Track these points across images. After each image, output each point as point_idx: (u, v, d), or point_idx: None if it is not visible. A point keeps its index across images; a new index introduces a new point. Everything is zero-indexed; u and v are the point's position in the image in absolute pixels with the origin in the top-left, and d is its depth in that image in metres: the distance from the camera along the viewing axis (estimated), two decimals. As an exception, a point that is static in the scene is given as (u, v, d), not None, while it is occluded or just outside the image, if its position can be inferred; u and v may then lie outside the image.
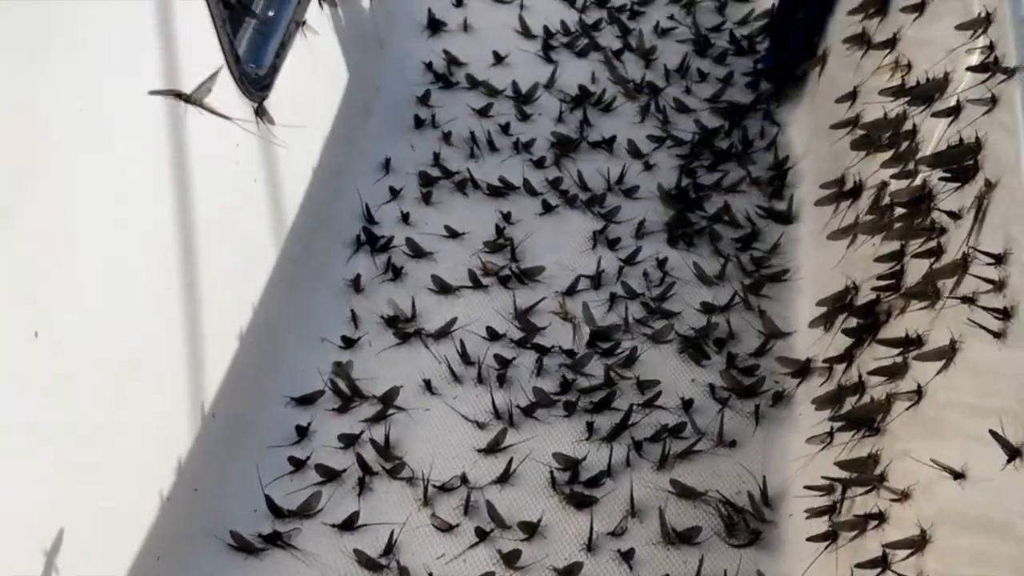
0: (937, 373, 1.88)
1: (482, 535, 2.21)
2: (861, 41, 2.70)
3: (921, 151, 2.24)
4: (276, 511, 2.23)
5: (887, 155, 2.34)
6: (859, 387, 2.15)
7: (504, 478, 2.32)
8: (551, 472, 2.33)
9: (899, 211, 2.20)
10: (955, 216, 1.98)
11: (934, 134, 2.20)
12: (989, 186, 1.88)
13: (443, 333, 2.57)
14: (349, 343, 2.54)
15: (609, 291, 2.68)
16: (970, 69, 2.07)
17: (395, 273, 2.69)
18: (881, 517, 1.93)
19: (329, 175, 2.74)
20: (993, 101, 1.97)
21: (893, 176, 2.29)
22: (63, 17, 1.73)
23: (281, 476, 2.29)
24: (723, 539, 2.24)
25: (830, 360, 2.33)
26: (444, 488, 2.30)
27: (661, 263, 2.75)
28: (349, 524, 2.22)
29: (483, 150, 3.01)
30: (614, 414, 2.42)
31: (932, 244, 2.03)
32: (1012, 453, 1.58)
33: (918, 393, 1.93)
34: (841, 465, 2.08)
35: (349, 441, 2.36)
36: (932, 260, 2.01)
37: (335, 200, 2.78)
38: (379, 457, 2.34)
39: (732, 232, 2.84)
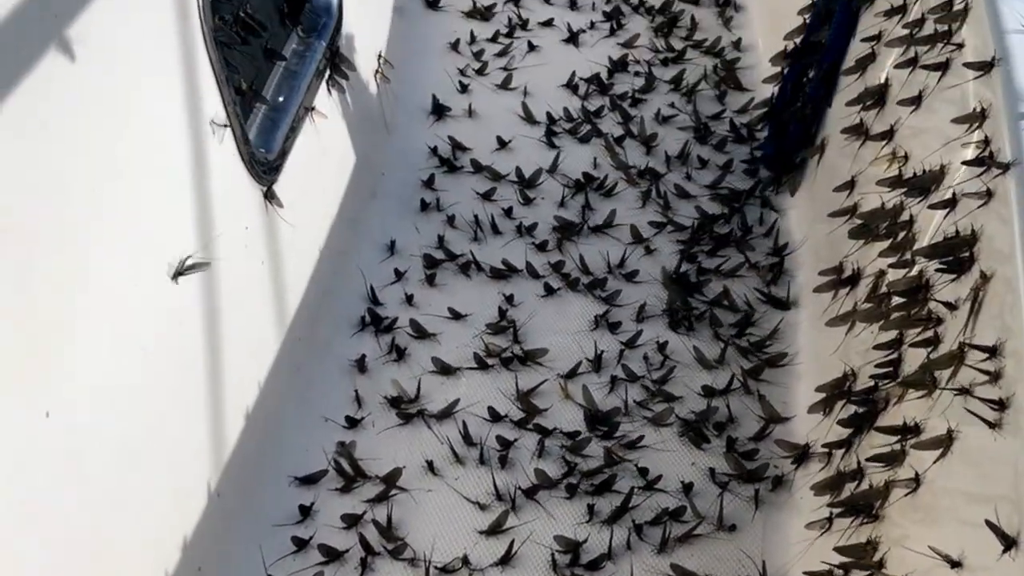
0: (935, 461, 1.91)
1: (483, 617, 2.23)
2: (859, 132, 2.75)
3: (918, 241, 2.28)
4: (279, 591, 2.25)
5: (885, 244, 2.39)
6: (858, 473, 2.17)
7: (505, 560, 2.33)
8: (552, 554, 2.34)
9: (897, 300, 2.24)
10: (951, 307, 2.02)
11: (931, 225, 2.24)
12: (985, 278, 1.92)
13: (446, 414, 2.60)
14: (353, 423, 2.57)
15: (610, 374, 2.71)
16: (966, 163, 2.11)
17: (399, 354, 2.72)
18: (880, 604, 1.95)
19: (335, 256, 2.78)
20: (989, 194, 2.01)
21: (891, 265, 2.33)
22: (78, 99, 1.78)
23: (284, 556, 2.31)
24: (723, 623, 2.26)
25: (829, 445, 2.35)
26: (446, 570, 2.31)
27: (661, 347, 2.79)
28: (351, 604, 2.24)
29: (486, 233, 3.05)
30: (615, 496, 2.45)
31: (929, 334, 2.07)
32: (1008, 543, 1.61)
33: (916, 480, 1.96)
34: (840, 551, 2.10)
35: (352, 521, 2.37)
36: (929, 350, 2.05)
37: (341, 281, 2.82)
38: (381, 538, 2.36)
39: (732, 317, 2.88)
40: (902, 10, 2.69)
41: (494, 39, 3.65)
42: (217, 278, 2.19)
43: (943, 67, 2.40)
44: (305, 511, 2.38)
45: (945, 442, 1.89)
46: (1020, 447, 1.71)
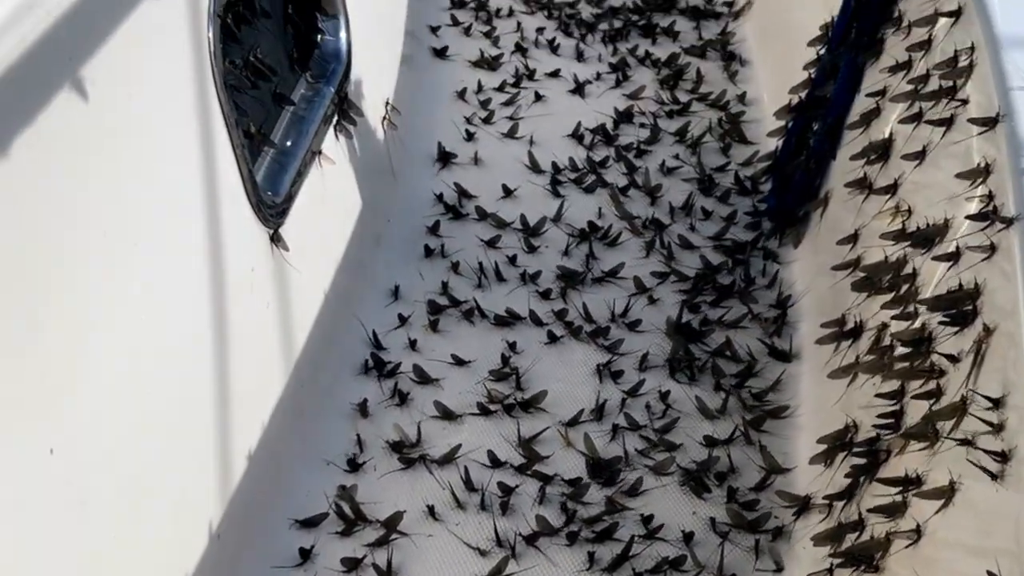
0: (936, 512, 1.92)
1: (482, 663, 2.22)
2: (862, 185, 2.77)
3: (921, 294, 2.29)
4: (278, 634, 2.24)
5: (887, 297, 2.40)
6: (859, 524, 2.17)
7: (505, 606, 2.33)
8: (552, 601, 2.34)
9: (899, 352, 2.25)
10: (954, 360, 2.03)
11: (934, 278, 2.26)
12: (988, 331, 1.93)
13: (447, 459, 2.60)
14: (354, 467, 2.56)
15: (612, 422, 2.71)
16: (970, 217, 2.13)
17: (401, 399, 2.73)
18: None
19: (339, 300, 2.79)
20: (992, 248, 2.03)
21: (894, 317, 2.34)
22: (89, 140, 1.79)
23: (283, 598, 2.31)
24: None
25: (830, 497, 2.35)
26: (445, 615, 2.31)
27: (663, 396, 2.79)
28: (350, 649, 2.23)
29: (490, 280, 3.06)
30: (616, 544, 2.44)
31: (932, 386, 2.08)
32: (1010, 595, 1.61)
33: (917, 532, 1.96)
34: (840, 602, 2.10)
35: (351, 565, 2.37)
36: (932, 401, 2.05)
37: (344, 325, 2.83)
38: (381, 582, 2.36)
39: (734, 367, 2.88)
40: (907, 66, 2.71)
41: (501, 88, 3.68)
42: (222, 320, 2.20)
43: (947, 122, 2.43)
44: (305, 554, 2.37)
45: (947, 493, 1.89)
46: (1023, 500, 1.72)
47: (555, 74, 3.77)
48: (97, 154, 1.82)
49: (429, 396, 2.75)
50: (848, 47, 3.02)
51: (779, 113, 3.32)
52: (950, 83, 2.45)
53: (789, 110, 3.27)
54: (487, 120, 3.56)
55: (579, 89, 3.72)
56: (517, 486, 2.55)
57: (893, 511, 2.07)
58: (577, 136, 3.54)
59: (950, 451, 1.92)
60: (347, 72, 2.86)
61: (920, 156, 2.51)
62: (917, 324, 2.23)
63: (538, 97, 3.67)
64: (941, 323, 2.10)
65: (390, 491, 2.53)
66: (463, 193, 3.30)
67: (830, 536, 2.27)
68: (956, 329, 2.06)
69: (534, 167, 3.42)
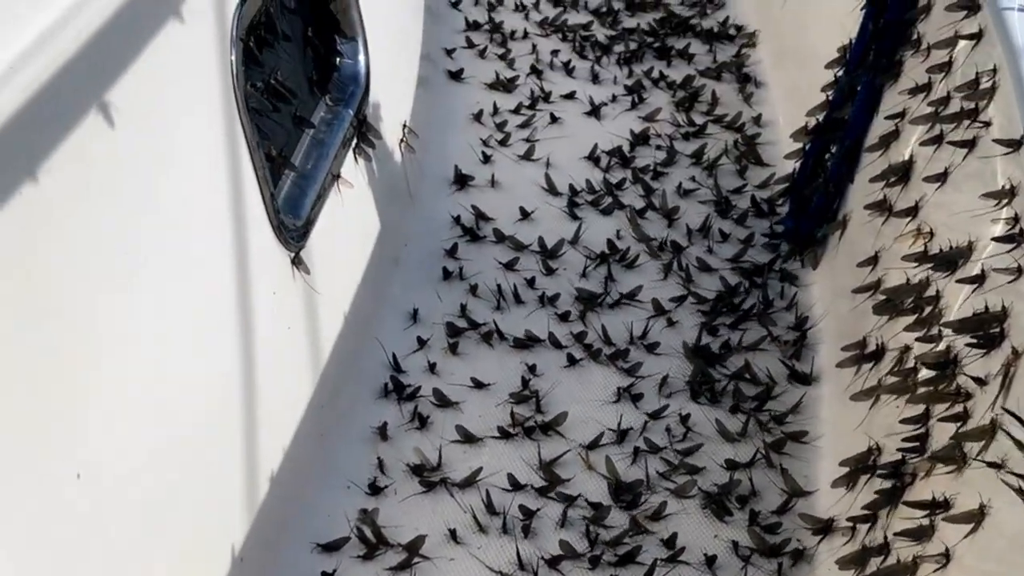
0: (965, 536, 1.90)
1: None
2: (882, 207, 2.76)
3: (945, 316, 2.28)
4: (300, 658, 2.23)
5: (910, 319, 2.39)
6: (884, 548, 2.16)
7: (528, 631, 2.32)
8: (575, 626, 2.33)
9: (923, 375, 2.24)
10: (981, 382, 2.02)
11: (957, 300, 2.25)
12: (1016, 354, 1.92)
13: (468, 483, 2.59)
14: (375, 490, 2.56)
15: (633, 445, 2.71)
16: (996, 240, 2.12)
17: (421, 422, 2.72)
18: None
19: (359, 323, 2.79)
20: (1019, 271, 2.02)
21: (917, 339, 2.33)
22: (113, 164, 1.80)
23: (306, 622, 2.30)
24: None
25: (854, 520, 2.34)
26: (468, 639, 2.30)
27: (684, 419, 2.78)
28: (373, 673, 2.22)
29: (509, 303, 3.06)
30: (638, 568, 2.43)
31: (959, 408, 2.06)
32: (1044, 619, 1.60)
33: (946, 556, 1.95)
34: (867, 626, 2.09)
35: (374, 589, 2.37)
36: (959, 424, 2.04)
37: (364, 348, 2.82)
38: (403, 606, 2.35)
39: (753, 390, 2.88)
40: (927, 88, 2.71)
41: (517, 111, 3.69)
42: (244, 342, 2.20)
43: (970, 144, 2.42)
44: (327, 578, 2.37)
45: (977, 517, 1.88)
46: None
47: (571, 96, 3.77)
48: (122, 178, 1.83)
49: (449, 419, 2.74)
50: (866, 69, 3.02)
51: (796, 135, 3.32)
52: (972, 105, 2.44)
53: (806, 132, 3.27)
54: (503, 142, 3.56)
55: (595, 111, 3.72)
56: (538, 509, 2.54)
57: (920, 535, 2.05)
58: (593, 158, 3.54)
59: (979, 474, 1.91)
60: (366, 95, 2.87)
61: (942, 178, 2.50)
62: (941, 346, 2.22)
63: (554, 119, 3.67)
64: (967, 345, 2.08)
65: (411, 515, 2.52)
66: (480, 215, 3.30)
67: (854, 560, 2.25)
68: (983, 351, 2.05)
69: (551, 189, 3.42)
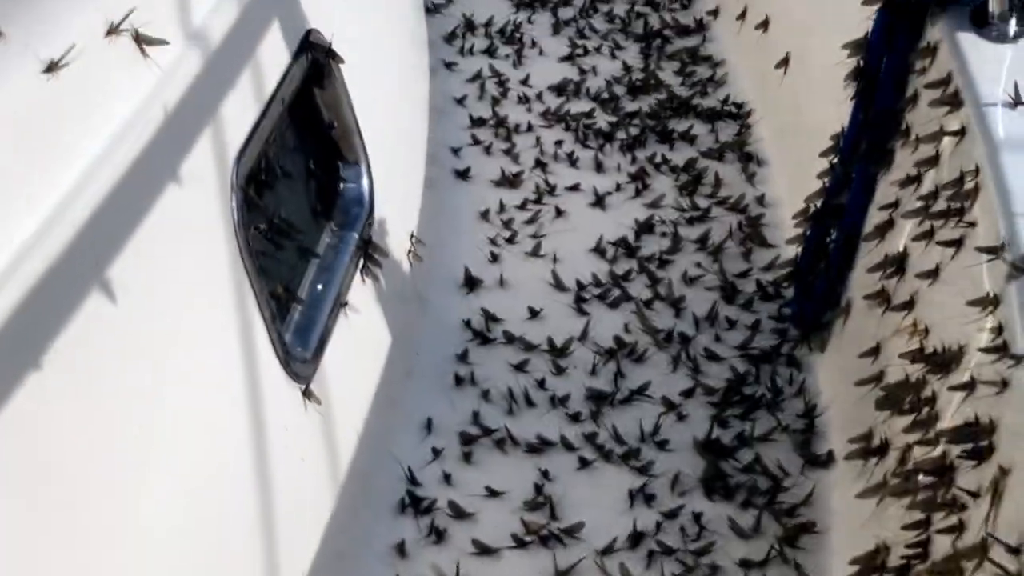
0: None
1: None
2: (881, 298, 2.81)
3: (941, 419, 2.33)
4: None
5: (909, 419, 2.43)
6: (893, 654, 2.21)
7: None
8: None
9: (923, 479, 2.28)
10: (974, 495, 2.06)
11: (952, 404, 2.29)
12: (1003, 472, 1.96)
13: (486, 598, 2.65)
14: (395, 610, 2.62)
15: (647, 548, 2.75)
16: (981, 350, 2.17)
17: (438, 536, 2.78)
18: None
19: (373, 439, 2.85)
20: (1004, 384, 2.06)
21: (916, 443, 2.37)
22: (120, 341, 1.87)
23: None
24: None
25: (864, 622, 2.38)
26: None
27: (697, 517, 2.83)
28: None
29: (520, 406, 3.12)
30: None
31: (954, 520, 2.11)
32: None
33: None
34: None
35: None
36: (955, 537, 2.08)
37: (380, 464, 2.88)
38: None
39: (765, 483, 2.92)
40: (917, 180, 2.75)
41: (523, 206, 3.75)
42: (258, 482, 2.27)
43: (957, 244, 2.46)
44: None
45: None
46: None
47: (575, 188, 3.83)
48: (129, 347, 1.90)
49: (465, 531, 2.80)
50: (860, 158, 3.07)
51: (797, 218, 3.37)
52: (958, 204, 2.49)
53: (806, 218, 3.32)
54: (510, 240, 3.62)
55: (599, 201, 3.78)
56: (557, 622, 2.60)
57: (925, 643, 2.10)
58: (599, 250, 3.60)
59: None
60: (370, 215, 2.94)
61: (934, 275, 2.54)
62: (938, 451, 2.26)
63: (559, 212, 3.73)
64: (959, 457, 2.13)
65: (431, 634, 2.58)
66: (490, 317, 3.36)
67: (866, 664, 2.30)
68: (975, 463, 2.09)
69: (558, 285, 3.48)
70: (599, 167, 3.92)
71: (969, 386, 2.20)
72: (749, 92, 4.23)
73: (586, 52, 4.47)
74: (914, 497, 2.28)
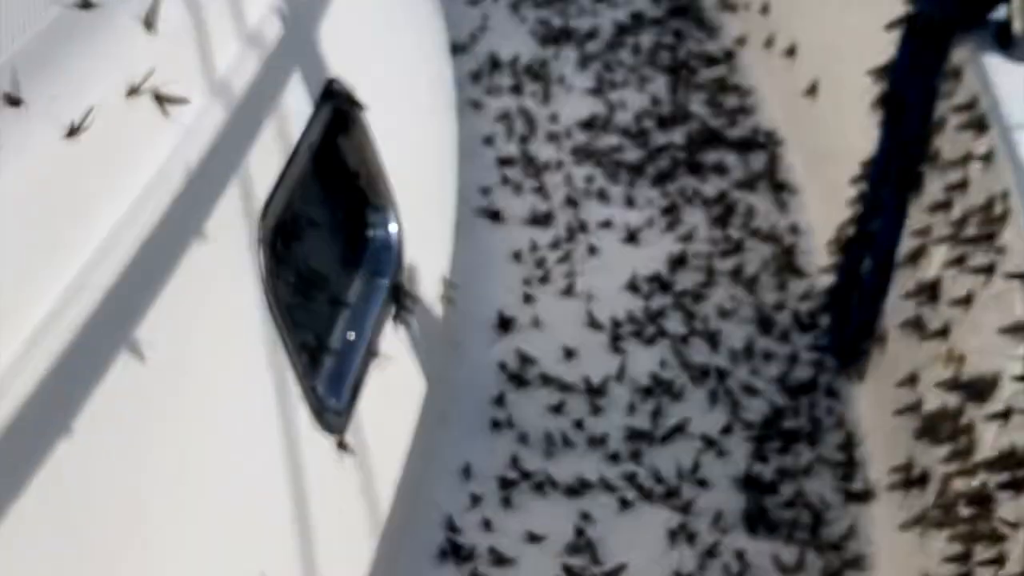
0: None
1: None
2: (916, 326, 2.79)
3: (979, 449, 2.30)
4: None
5: (948, 448, 2.41)
6: None
7: None
8: None
9: (963, 511, 2.26)
10: (1013, 526, 2.03)
11: (990, 433, 2.27)
12: (1042, 503, 1.94)
13: (530, 646, 2.64)
14: (439, 660, 2.61)
15: (691, 589, 2.75)
16: (1015, 379, 2.14)
17: (480, 583, 2.78)
18: None
19: (411, 488, 2.84)
20: (1039, 412, 2.05)
21: (955, 472, 2.35)
22: (149, 403, 1.88)
23: None
24: None
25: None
26: None
27: (739, 555, 2.81)
28: None
29: (559, 448, 3.11)
30: None
31: (994, 552, 2.08)
32: None
33: None
34: None
35: None
36: (996, 569, 2.06)
37: (418, 512, 2.87)
38: None
39: (807, 517, 2.89)
40: (947, 206, 2.74)
41: (555, 246, 3.75)
42: (296, 535, 2.27)
43: (988, 270, 2.44)
44: None
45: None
46: None
47: (607, 224, 3.82)
48: (161, 408, 1.91)
49: (507, 577, 2.79)
50: (890, 184, 3.05)
51: (830, 246, 3.36)
52: (988, 230, 2.47)
53: (840, 247, 3.30)
54: (543, 280, 3.62)
55: (632, 237, 3.77)
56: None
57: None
58: (633, 286, 3.59)
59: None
60: (400, 261, 2.94)
61: (967, 302, 2.53)
62: (977, 482, 2.24)
63: (592, 250, 3.72)
64: (997, 487, 2.10)
65: None
66: (525, 359, 3.35)
67: None
68: (1013, 493, 2.06)
69: (593, 324, 3.47)
70: (630, 202, 3.92)
71: (1005, 415, 2.18)
72: (778, 120, 4.22)
73: (613, 86, 4.47)
74: (954, 529, 2.26)
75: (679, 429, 3.14)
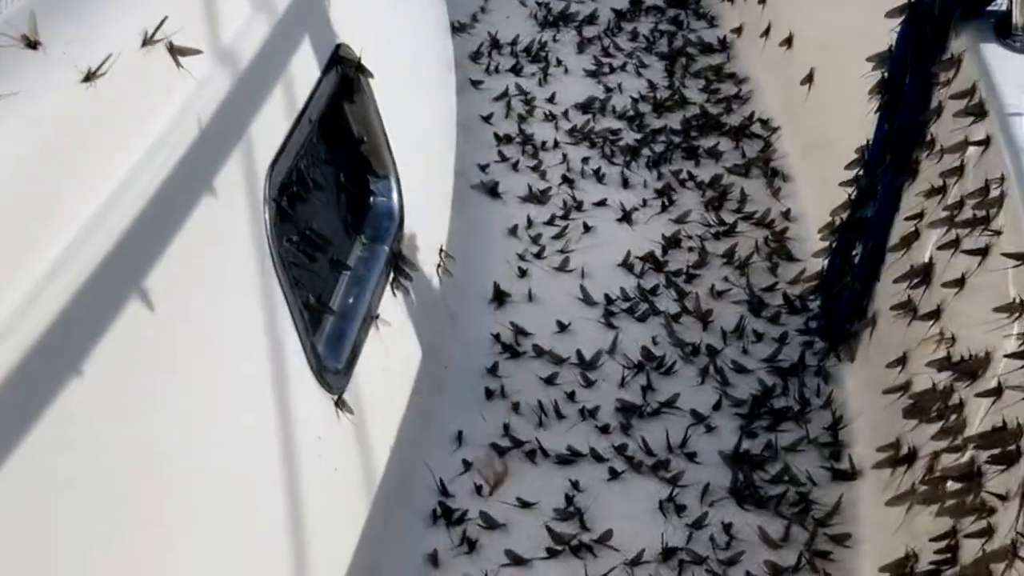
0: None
1: None
2: (907, 308, 2.82)
3: (968, 426, 2.34)
4: None
5: (937, 426, 2.45)
6: (924, 658, 2.22)
7: None
8: None
9: (951, 485, 2.29)
10: (1002, 498, 2.07)
11: (980, 410, 2.31)
12: (1031, 474, 1.98)
13: (518, 608, 2.67)
14: (429, 620, 2.64)
15: (678, 558, 2.77)
16: (1008, 356, 2.18)
17: (470, 546, 2.80)
18: None
19: (405, 451, 2.88)
20: (1032, 388, 2.08)
21: (944, 450, 2.39)
22: (155, 353, 1.91)
23: None
24: None
25: (894, 628, 2.40)
26: None
27: (727, 527, 2.85)
28: None
29: (550, 418, 3.14)
30: None
31: (983, 524, 2.12)
32: None
33: (979, 670, 2.00)
34: None
35: None
36: (984, 540, 2.10)
37: (411, 476, 2.91)
38: None
39: (794, 493, 2.93)
40: (942, 191, 2.77)
41: (550, 222, 3.78)
42: (292, 492, 2.30)
43: (983, 252, 2.48)
44: None
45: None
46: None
47: (602, 203, 3.86)
48: (163, 357, 1.93)
49: (497, 541, 2.82)
50: (884, 170, 3.09)
51: (823, 231, 3.39)
52: (983, 212, 2.51)
53: (832, 231, 3.34)
54: (539, 255, 3.65)
55: (626, 217, 3.80)
56: (589, 632, 2.62)
57: (956, 646, 2.11)
58: (627, 265, 3.63)
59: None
60: (400, 229, 2.97)
61: (960, 284, 2.56)
62: (966, 458, 2.28)
63: (587, 228, 3.76)
64: (986, 462, 2.14)
65: (465, 645, 2.60)
66: (519, 331, 3.39)
67: (897, 669, 2.31)
68: (1003, 467, 2.10)
69: (587, 300, 3.51)
70: (626, 183, 3.95)
71: (997, 392, 2.22)
72: (774, 108, 4.26)
73: (611, 70, 4.51)
74: (942, 503, 2.30)
75: (669, 404, 3.17)
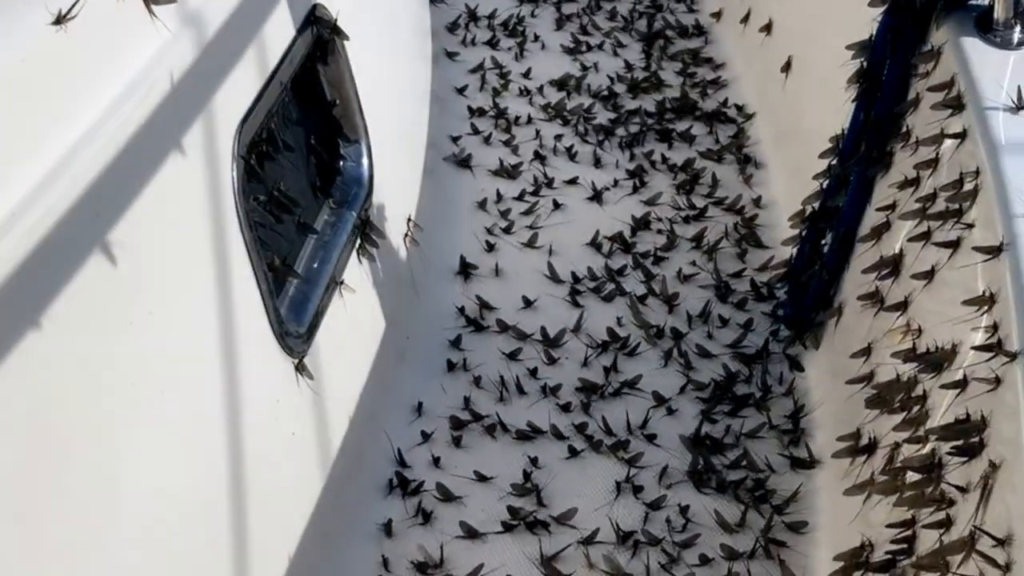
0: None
1: None
2: (874, 299, 2.82)
3: (931, 418, 2.33)
4: None
5: (899, 418, 2.44)
6: (876, 648, 2.21)
7: None
8: None
9: (911, 476, 2.29)
10: (963, 490, 2.07)
11: (943, 402, 2.30)
12: (993, 467, 1.97)
13: (470, 580, 2.65)
14: (380, 589, 2.62)
15: (633, 539, 2.76)
16: (975, 348, 2.17)
17: (425, 517, 2.78)
18: None
19: (364, 421, 2.85)
20: (997, 381, 2.07)
21: (905, 440, 2.38)
22: (114, 303, 1.87)
23: None
24: None
25: (847, 616, 2.39)
26: None
27: (683, 510, 2.84)
28: None
29: (512, 394, 3.12)
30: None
31: (941, 515, 2.11)
32: None
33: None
34: None
35: None
36: (942, 531, 2.09)
37: (369, 445, 2.88)
38: None
39: (752, 479, 2.93)
40: (916, 183, 2.76)
41: (520, 197, 3.75)
42: (246, 452, 2.26)
43: (954, 245, 2.47)
44: None
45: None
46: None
47: (573, 181, 3.83)
48: (124, 308, 1.90)
49: (452, 514, 2.80)
50: (858, 160, 3.08)
51: (793, 220, 3.38)
52: (956, 205, 2.50)
53: (802, 219, 3.32)
54: (507, 230, 3.63)
55: (597, 196, 3.78)
56: (539, 606, 2.60)
57: (908, 637, 2.11)
58: (595, 244, 3.60)
59: (962, 583, 1.96)
60: (369, 195, 2.94)
61: (929, 276, 2.55)
62: (927, 449, 2.27)
63: (557, 205, 3.73)
64: (948, 453, 2.14)
65: (415, 613, 2.58)
66: (484, 305, 3.36)
67: (848, 657, 2.30)
68: (964, 460, 2.10)
69: (553, 277, 3.48)
70: (598, 162, 3.93)
71: (961, 384, 2.21)
72: (749, 95, 4.24)
73: (588, 48, 4.48)
74: (901, 494, 2.29)
75: (631, 385, 3.16)
